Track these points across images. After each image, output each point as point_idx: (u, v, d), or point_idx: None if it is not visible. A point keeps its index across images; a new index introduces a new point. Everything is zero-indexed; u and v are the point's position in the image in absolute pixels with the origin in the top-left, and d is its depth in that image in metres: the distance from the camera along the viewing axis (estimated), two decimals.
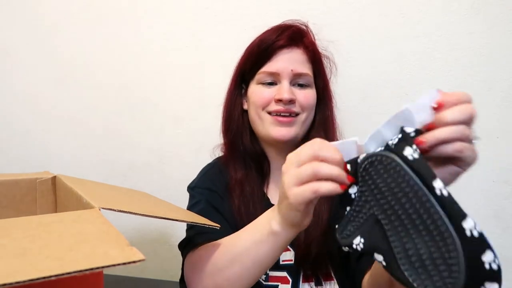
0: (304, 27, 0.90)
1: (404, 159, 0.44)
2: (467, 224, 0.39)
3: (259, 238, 0.61)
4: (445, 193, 0.41)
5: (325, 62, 0.93)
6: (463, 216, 0.39)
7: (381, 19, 1.12)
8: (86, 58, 1.35)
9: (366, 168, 0.48)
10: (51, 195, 0.76)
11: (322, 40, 0.93)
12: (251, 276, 0.64)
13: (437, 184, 0.41)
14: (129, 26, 1.31)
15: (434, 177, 0.42)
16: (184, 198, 0.94)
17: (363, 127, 1.16)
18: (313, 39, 0.91)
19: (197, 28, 1.26)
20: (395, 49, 1.12)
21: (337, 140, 0.91)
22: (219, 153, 0.99)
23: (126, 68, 1.33)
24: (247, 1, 1.21)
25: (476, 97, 1.13)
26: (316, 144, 0.51)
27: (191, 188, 0.93)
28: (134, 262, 0.31)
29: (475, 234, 0.39)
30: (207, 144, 1.01)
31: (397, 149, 0.45)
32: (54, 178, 0.77)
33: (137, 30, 1.31)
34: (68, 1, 1.34)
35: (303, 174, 0.50)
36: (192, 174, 0.98)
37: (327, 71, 0.94)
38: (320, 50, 0.92)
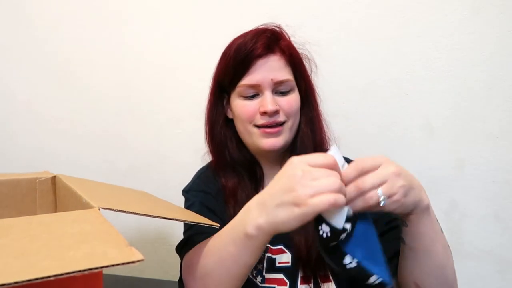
0: (278, 29, 0.88)
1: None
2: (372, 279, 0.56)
3: (238, 242, 0.61)
4: (352, 265, 0.56)
5: (305, 62, 0.92)
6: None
7: (381, 19, 1.12)
8: (86, 58, 1.36)
9: None
10: (51, 195, 0.76)
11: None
12: (237, 276, 0.64)
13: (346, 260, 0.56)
14: (129, 26, 1.31)
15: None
16: (183, 198, 0.94)
17: (363, 127, 1.16)
18: (289, 41, 0.89)
19: (197, 28, 1.26)
20: (395, 49, 1.12)
21: (325, 141, 0.91)
22: (209, 158, 0.98)
23: (126, 68, 1.33)
24: (247, 1, 1.21)
25: (476, 97, 1.14)
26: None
27: (185, 192, 0.94)
28: (133, 262, 0.31)
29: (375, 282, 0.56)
30: None
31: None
32: (54, 178, 0.77)
33: (137, 30, 1.31)
34: (67, 2, 1.34)
35: (323, 186, 0.52)
36: (192, 174, 0.98)
37: (307, 69, 0.93)
38: (298, 50, 0.89)
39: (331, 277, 0.83)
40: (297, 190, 0.53)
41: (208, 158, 0.98)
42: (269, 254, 0.84)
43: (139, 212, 0.50)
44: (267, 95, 0.82)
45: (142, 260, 0.32)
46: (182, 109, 1.30)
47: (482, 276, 1.12)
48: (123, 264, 0.31)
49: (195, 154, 1.29)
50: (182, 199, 0.94)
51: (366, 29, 1.13)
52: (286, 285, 0.82)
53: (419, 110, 1.12)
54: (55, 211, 0.76)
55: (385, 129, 1.15)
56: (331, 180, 0.52)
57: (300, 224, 0.54)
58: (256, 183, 0.89)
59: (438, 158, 1.12)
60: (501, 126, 1.07)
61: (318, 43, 0.99)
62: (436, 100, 1.11)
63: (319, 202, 0.51)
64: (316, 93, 0.93)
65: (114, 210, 0.48)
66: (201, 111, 1.28)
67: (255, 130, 0.84)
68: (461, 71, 1.08)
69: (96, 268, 0.29)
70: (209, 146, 0.94)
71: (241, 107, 0.85)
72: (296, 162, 0.56)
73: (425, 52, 1.10)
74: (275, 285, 0.82)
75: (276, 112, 0.82)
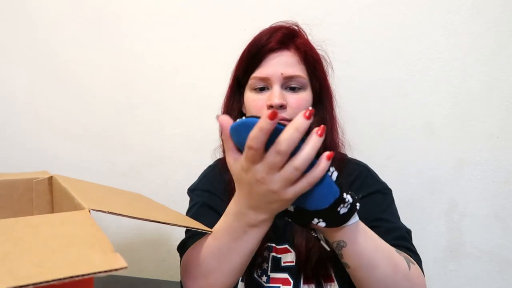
0: (295, 27, 0.88)
1: None
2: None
3: (240, 236, 0.61)
4: None
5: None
6: None
7: (381, 19, 1.11)
8: (85, 58, 1.36)
9: None
10: (48, 195, 0.76)
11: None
12: (242, 267, 0.65)
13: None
14: (129, 26, 1.31)
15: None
16: (183, 198, 0.94)
17: (363, 127, 1.16)
18: (306, 39, 0.88)
19: (197, 28, 1.26)
20: (395, 49, 1.11)
21: (338, 145, 0.90)
22: (219, 154, 0.98)
23: (126, 68, 1.33)
24: (247, 1, 1.21)
25: (476, 97, 1.13)
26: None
27: (190, 191, 0.94)
28: (116, 270, 0.31)
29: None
30: (207, 144, 1.01)
31: None
32: (50, 178, 0.76)
33: (137, 30, 1.31)
34: (67, 1, 1.34)
35: (292, 177, 0.50)
36: (192, 174, 0.98)
37: (324, 70, 0.91)
38: (315, 49, 0.88)
39: (334, 277, 0.83)
40: (273, 189, 0.52)
41: (216, 156, 0.98)
42: (274, 254, 0.84)
43: (130, 215, 0.50)
44: (275, 89, 0.81)
45: (125, 267, 0.31)
46: (182, 109, 1.30)
47: (482, 276, 1.11)
48: (105, 272, 0.30)
49: (195, 154, 1.30)
50: (182, 199, 0.95)
51: (365, 29, 1.13)
52: (290, 285, 0.82)
53: (419, 110, 1.11)
54: (52, 212, 0.76)
55: (385, 129, 1.15)
56: (294, 169, 0.50)
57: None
58: None
59: (438, 158, 1.12)
60: (501, 126, 1.06)
61: (318, 44, 0.99)
62: (436, 100, 1.10)
63: (300, 188, 0.51)
64: (332, 95, 0.91)
65: (105, 212, 0.47)
66: (201, 111, 1.29)
67: None
68: (461, 71, 1.07)
69: (77, 276, 0.29)
70: (221, 139, 0.94)
71: (250, 101, 0.85)
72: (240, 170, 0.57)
73: (425, 52, 1.09)
74: (280, 285, 0.82)
75: (282, 107, 0.80)
